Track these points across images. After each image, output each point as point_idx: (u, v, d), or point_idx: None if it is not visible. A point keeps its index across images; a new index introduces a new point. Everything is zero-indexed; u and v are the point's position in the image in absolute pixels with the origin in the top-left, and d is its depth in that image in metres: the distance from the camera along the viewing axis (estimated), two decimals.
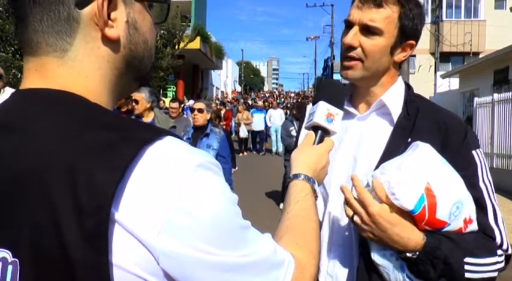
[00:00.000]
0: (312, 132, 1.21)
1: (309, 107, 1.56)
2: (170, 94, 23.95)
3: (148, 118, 5.04)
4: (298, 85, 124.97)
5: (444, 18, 23.87)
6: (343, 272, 1.37)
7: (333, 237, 1.40)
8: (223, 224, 0.69)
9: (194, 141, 4.72)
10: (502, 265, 1.26)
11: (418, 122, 1.34)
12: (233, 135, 18.76)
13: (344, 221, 1.38)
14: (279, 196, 7.99)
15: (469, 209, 1.21)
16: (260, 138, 18.05)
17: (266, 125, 17.76)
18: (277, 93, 59.91)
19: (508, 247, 1.28)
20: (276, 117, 17.42)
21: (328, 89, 1.28)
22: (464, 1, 24.21)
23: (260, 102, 21.00)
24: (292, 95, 51.59)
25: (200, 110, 4.83)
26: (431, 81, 22.07)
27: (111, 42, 0.76)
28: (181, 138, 0.73)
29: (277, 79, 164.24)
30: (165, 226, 0.63)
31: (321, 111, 1.20)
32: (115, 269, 0.62)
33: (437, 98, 19.15)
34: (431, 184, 1.15)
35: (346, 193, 1.21)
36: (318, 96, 1.24)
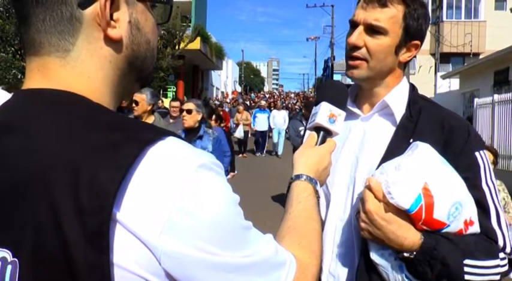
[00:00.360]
0: (314, 133, 1.21)
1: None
2: (170, 94, 23.98)
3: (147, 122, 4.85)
4: (298, 86, 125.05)
5: (444, 19, 23.88)
6: (344, 272, 1.37)
7: (335, 237, 1.41)
8: (225, 224, 0.69)
9: None
10: (505, 268, 1.25)
11: (420, 123, 1.35)
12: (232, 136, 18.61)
13: (346, 221, 1.39)
14: (281, 198, 7.99)
15: (470, 211, 1.21)
16: (263, 138, 17.51)
17: (269, 126, 17.23)
18: (277, 93, 59.93)
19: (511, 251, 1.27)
20: (279, 118, 17.00)
21: (330, 90, 1.28)
22: (465, 2, 24.23)
23: (263, 102, 20.51)
24: (292, 95, 51.56)
25: (188, 111, 4.52)
26: (431, 82, 22.07)
27: (113, 43, 0.75)
28: (183, 139, 0.73)
29: (277, 80, 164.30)
30: (167, 226, 0.63)
31: (323, 112, 1.20)
32: (116, 269, 0.62)
33: (437, 98, 19.14)
34: (429, 184, 1.15)
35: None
36: (321, 97, 1.24)
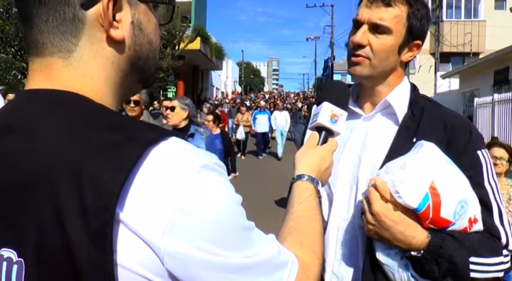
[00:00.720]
0: (315, 133, 1.21)
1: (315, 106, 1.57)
2: (170, 95, 23.95)
3: None
4: (298, 86, 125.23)
5: (444, 18, 23.88)
6: (348, 272, 1.38)
7: (338, 236, 1.41)
8: (228, 224, 0.69)
9: None
10: (508, 265, 1.26)
11: (423, 123, 1.35)
12: (231, 136, 18.33)
13: (349, 220, 1.39)
14: (283, 198, 7.97)
15: (474, 209, 1.21)
16: (264, 140, 16.86)
17: (271, 127, 16.63)
18: (277, 93, 59.92)
19: None
20: (281, 119, 16.45)
21: (332, 90, 1.28)
22: (464, 1, 24.22)
23: (263, 103, 19.86)
24: (292, 95, 51.58)
25: (172, 108, 4.34)
26: (431, 81, 22.08)
27: (116, 43, 0.76)
28: (192, 139, 0.73)
29: (277, 80, 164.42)
30: (170, 226, 0.63)
31: (325, 112, 1.20)
32: (119, 269, 0.62)
33: (437, 98, 19.15)
34: (436, 182, 1.15)
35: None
36: (322, 97, 1.24)
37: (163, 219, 0.63)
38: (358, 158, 1.42)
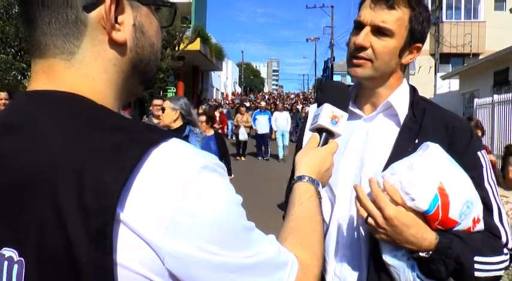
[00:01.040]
0: (316, 135, 1.21)
1: (312, 107, 1.57)
2: (170, 95, 23.94)
3: None
4: (298, 86, 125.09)
5: (444, 19, 23.85)
6: (351, 273, 1.38)
7: (340, 238, 1.41)
8: (228, 225, 0.69)
9: None
10: (507, 263, 1.28)
11: (425, 124, 1.36)
12: (230, 138, 17.59)
13: (351, 222, 1.39)
14: (283, 201, 7.86)
15: (478, 209, 1.23)
16: (265, 142, 16.45)
17: (271, 128, 16.27)
18: (276, 94, 59.86)
19: None
20: (282, 120, 16.17)
21: (332, 91, 1.29)
22: (464, 2, 24.19)
23: (263, 103, 19.58)
24: (292, 96, 51.53)
25: (163, 109, 4.24)
26: (431, 82, 22.06)
27: (118, 46, 0.76)
28: (187, 140, 0.73)
29: (277, 80, 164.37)
30: (170, 226, 0.64)
31: (325, 114, 1.20)
32: (120, 268, 0.63)
33: (437, 99, 19.15)
34: (444, 183, 1.16)
35: (359, 193, 1.22)
36: (323, 98, 1.25)
37: (164, 219, 0.63)
38: (360, 160, 1.42)
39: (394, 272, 1.24)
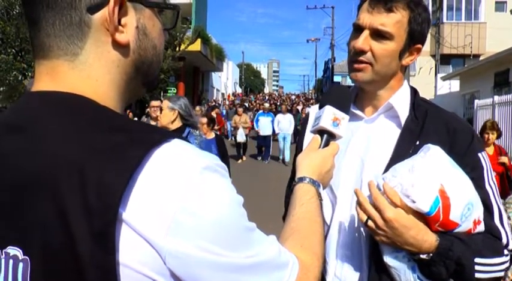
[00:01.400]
0: (317, 136, 1.21)
1: (313, 109, 1.57)
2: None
3: None
4: (298, 87, 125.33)
5: (445, 20, 23.86)
6: (351, 275, 1.38)
7: (341, 239, 1.41)
8: (229, 225, 0.70)
9: None
10: (508, 264, 1.28)
11: (426, 125, 1.36)
12: (230, 139, 17.17)
13: (352, 223, 1.39)
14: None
15: (479, 211, 1.23)
16: (267, 144, 15.83)
17: (274, 130, 15.66)
18: (277, 95, 59.88)
19: None
20: (285, 123, 15.50)
21: (334, 94, 1.29)
22: (465, 3, 24.20)
23: (267, 105, 18.81)
24: (293, 97, 51.53)
25: (161, 109, 4.09)
26: (431, 83, 22.07)
27: (121, 47, 0.77)
28: (188, 141, 0.74)
29: (277, 81, 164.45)
30: (172, 226, 0.64)
31: (327, 116, 1.21)
32: (122, 268, 0.63)
33: (437, 100, 19.15)
34: (445, 185, 1.16)
35: (360, 197, 1.22)
36: (324, 101, 1.25)
37: (166, 219, 0.64)
38: (361, 161, 1.42)
39: (395, 273, 1.24)
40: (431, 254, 1.18)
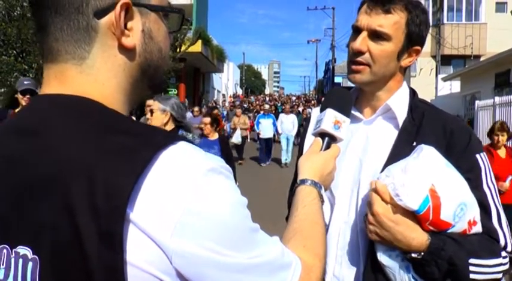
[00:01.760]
0: (319, 139, 1.23)
1: (315, 111, 1.58)
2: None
3: None
4: (299, 88, 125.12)
5: (445, 21, 23.85)
6: (349, 274, 1.39)
7: (339, 239, 1.43)
8: (233, 226, 0.71)
9: None
10: (507, 266, 1.28)
11: (423, 127, 1.37)
12: (228, 140, 17.46)
13: (351, 223, 1.41)
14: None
15: (474, 211, 1.23)
16: (268, 147, 15.29)
17: (276, 130, 15.34)
18: (277, 96, 59.83)
19: None
20: (288, 124, 15.08)
21: (335, 97, 1.31)
22: (465, 4, 24.19)
23: (267, 106, 18.08)
24: (294, 98, 51.50)
25: (151, 111, 3.83)
26: (432, 84, 22.05)
27: (127, 51, 0.78)
28: (194, 143, 0.75)
29: (278, 82, 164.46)
30: (178, 227, 0.65)
31: (328, 119, 1.22)
32: (129, 267, 0.65)
33: (438, 101, 19.14)
34: (436, 185, 1.17)
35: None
36: (326, 104, 1.27)
37: (172, 220, 0.65)
38: (360, 162, 1.44)
39: (390, 272, 1.25)
40: (422, 253, 1.19)
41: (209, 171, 0.70)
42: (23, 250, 0.68)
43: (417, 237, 1.19)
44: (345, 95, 1.32)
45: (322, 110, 1.27)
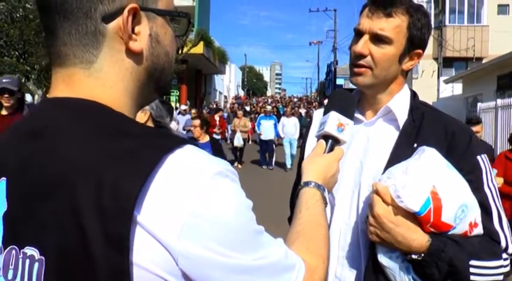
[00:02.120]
0: (322, 141, 1.24)
1: (317, 113, 1.59)
2: (173, 99, 23.98)
3: None
4: (301, 90, 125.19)
5: (447, 23, 23.82)
6: (351, 275, 1.40)
7: (340, 241, 1.43)
8: (238, 228, 0.72)
9: None
10: (508, 268, 1.28)
11: (424, 128, 1.38)
12: (229, 142, 16.57)
13: (352, 224, 1.42)
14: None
15: (475, 213, 1.24)
16: (270, 149, 14.98)
17: (278, 134, 14.92)
18: (279, 97, 59.81)
19: None
20: (290, 127, 14.69)
21: (338, 100, 1.32)
22: (467, 6, 24.15)
23: (269, 107, 18.11)
24: (295, 99, 51.45)
25: None
26: (434, 86, 22.02)
27: (134, 55, 0.79)
28: (199, 146, 0.76)
29: (280, 84, 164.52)
30: (184, 229, 0.66)
31: (332, 121, 1.23)
32: (135, 268, 0.65)
33: (440, 103, 19.14)
34: (437, 187, 1.18)
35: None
36: (329, 106, 1.28)
37: (178, 222, 0.66)
38: (360, 164, 1.45)
39: (390, 273, 1.26)
40: (422, 255, 1.20)
41: (216, 174, 0.70)
42: (31, 251, 0.69)
43: (418, 238, 1.20)
44: (348, 98, 1.33)
45: (325, 113, 1.28)
